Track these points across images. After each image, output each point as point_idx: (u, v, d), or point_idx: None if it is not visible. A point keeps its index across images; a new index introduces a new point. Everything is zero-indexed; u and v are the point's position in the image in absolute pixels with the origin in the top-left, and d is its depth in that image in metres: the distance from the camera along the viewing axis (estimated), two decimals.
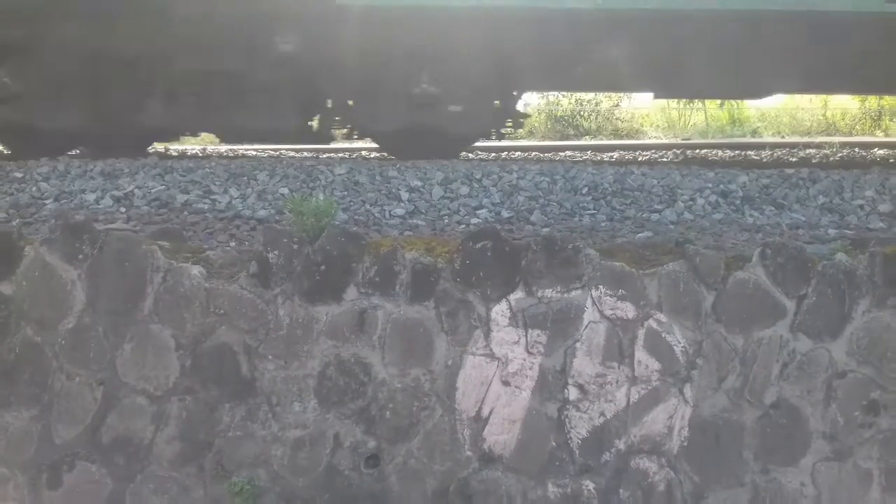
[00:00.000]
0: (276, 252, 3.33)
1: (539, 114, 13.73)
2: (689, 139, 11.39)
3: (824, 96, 12.84)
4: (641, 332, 3.36)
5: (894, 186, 4.94)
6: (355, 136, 7.26)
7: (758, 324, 3.39)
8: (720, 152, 8.99)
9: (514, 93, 6.68)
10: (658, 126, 13.78)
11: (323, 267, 3.34)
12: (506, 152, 8.77)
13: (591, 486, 3.36)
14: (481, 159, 7.05)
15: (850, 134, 12.37)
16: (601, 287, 3.35)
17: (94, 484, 3.34)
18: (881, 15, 5.61)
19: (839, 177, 5.12)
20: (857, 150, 8.65)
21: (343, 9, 5.54)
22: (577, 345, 3.35)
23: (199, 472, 3.35)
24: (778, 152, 8.61)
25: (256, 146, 8.31)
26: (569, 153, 8.85)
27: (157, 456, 3.34)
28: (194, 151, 8.11)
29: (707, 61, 6.06)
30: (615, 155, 8.56)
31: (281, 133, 6.28)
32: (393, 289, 3.35)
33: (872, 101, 12.85)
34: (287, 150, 8.53)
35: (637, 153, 8.93)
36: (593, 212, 4.59)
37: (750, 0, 5.71)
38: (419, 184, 4.80)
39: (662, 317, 3.36)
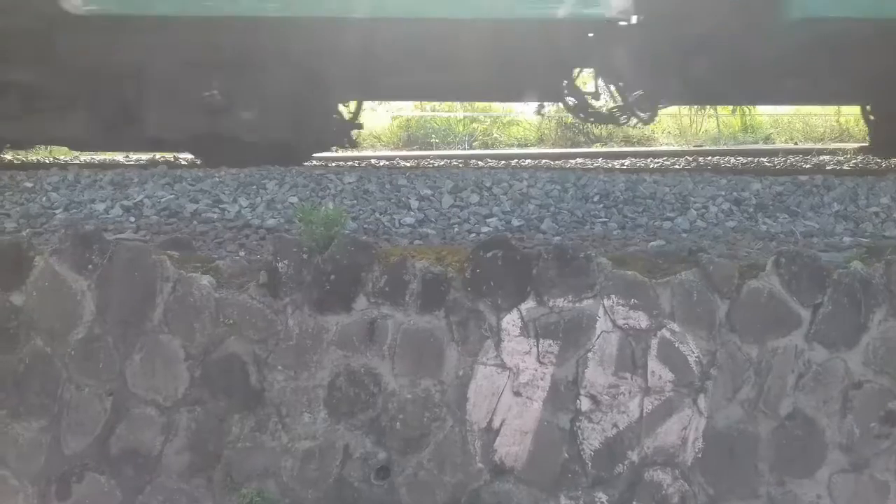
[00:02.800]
0: (285, 262, 3.31)
1: (549, 121, 13.71)
2: (700, 146, 11.33)
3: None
4: (654, 342, 3.32)
5: None
6: None
7: (773, 333, 3.35)
8: (732, 159, 8.92)
9: None
10: (669, 133, 13.72)
11: (332, 276, 3.32)
12: (516, 160, 8.75)
13: (604, 498, 3.32)
14: (491, 167, 7.03)
15: (864, 140, 12.26)
16: (613, 296, 3.31)
17: (103, 495, 3.33)
18: None
19: (854, 184, 5.06)
20: (871, 156, 8.58)
21: None
22: (590, 355, 3.31)
23: (208, 484, 3.33)
24: (791, 159, 8.54)
25: None
26: (580, 160, 8.82)
27: (166, 467, 3.32)
28: None
29: None
30: (626, 162, 8.52)
31: None
32: (403, 298, 3.32)
33: None
34: None
35: (649, 160, 8.89)
36: (605, 220, 4.56)
37: None
38: (429, 192, 4.78)
39: (676, 326, 3.32)
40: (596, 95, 6.87)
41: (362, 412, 3.33)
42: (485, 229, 4.38)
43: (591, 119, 7.29)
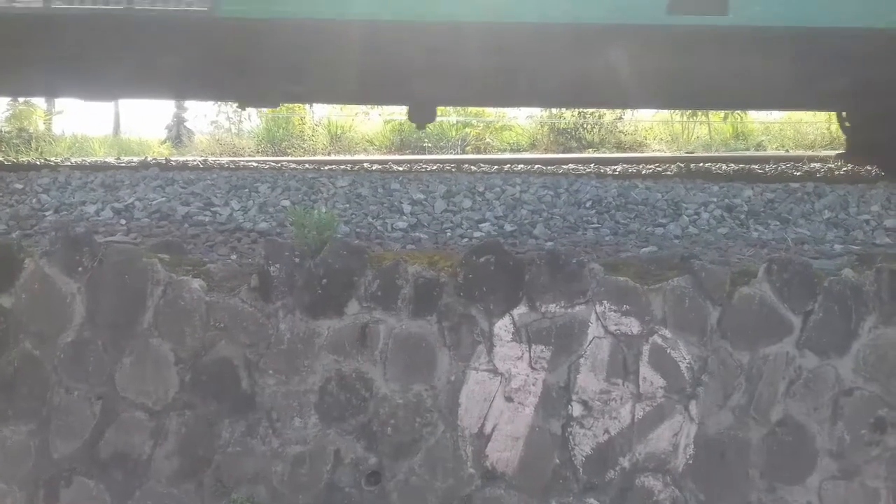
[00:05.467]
0: (277, 265, 3.30)
1: (542, 126, 13.74)
2: (692, 152, 11.37)
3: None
4: (646, 348, 3.32)
5: None
6: None
7: (764, 340, 3.36)
8: (724, 166, 8.96)
9: None
10: (661, 139, 13.79)
11: (325, 281, 3.31)
12: (508, 165, 8.75)
13: None
14: (484, 172, 7.03)
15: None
16: (605, 302, 3.32)
17: (91, 500, 3.30)
18: None
19: (844, 191, 5.09)
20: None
21: None
22: (581, 360, 3.31)
23: (198, 489, 3.31)
24: (782, 166, 8.58)
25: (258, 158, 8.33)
26: (572, 166, 8.83)
27: (155, 471, 3.30)
28: (195, 163, 8.10)
29: None
30: (619, 168, 8.53)
31: None
32: (395, 303, 3.32)
33: None
34: (288, 161, 8.52)
35: (641, 166, 8.91)
36: (597, 226, 4.57)
37: None
38: (422, 196, 4.79)
39: (667, 332, 3.33)
40: None
41: (353, 417, 3.32)
42: (477, 234, 4.38)
43: None
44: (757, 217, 4.72)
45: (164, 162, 7.83)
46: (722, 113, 13.39)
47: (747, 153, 11.44)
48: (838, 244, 4.34)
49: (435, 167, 8.20)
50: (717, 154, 10.88)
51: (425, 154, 12.34)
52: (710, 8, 4.86)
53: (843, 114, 7.51)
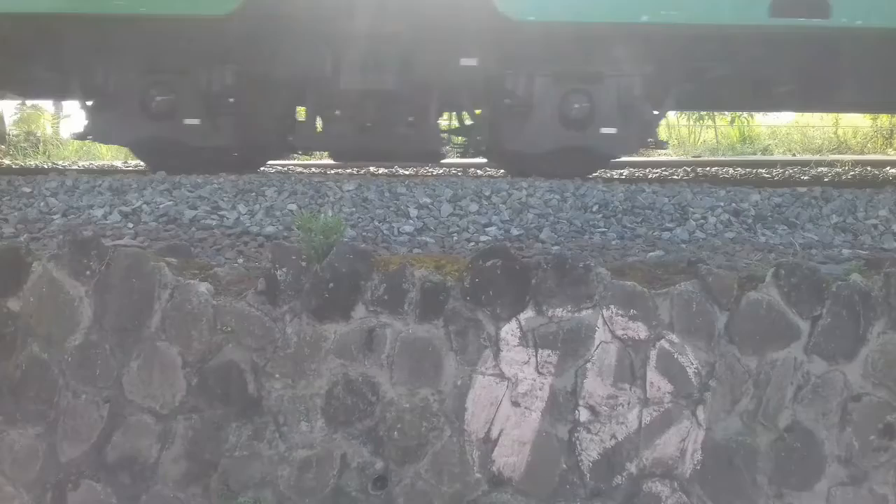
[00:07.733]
0: (284, 269, 3.30)
1: None
2: (699, 157, 11.35)
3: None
4: (653, 353, 3.31)
5: None
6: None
7: (771, 345, 3.34)
8: (731, 170, 8.95)
9: None
10: (668, 143, 13.76)
11: (331, 285, 3.31)
12: None
13: None
14: (490, 176, 7.03)
15: (862, 152, 12.31)
16: (612, 307, 3.31)
17: (98, 503, 3.30)
18: None
19: (852, 196, 5.07)
20: (869, 168, 8.60)
21: None
22: (588, 365, 3.30)
23: (205, 492, 3.31)
24: (789, 170, 8.56)
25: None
26: None
27: (162, 475, 3.30)
28: None
29: None
30: (625, 172, 8.53)
31: None
32: (402, 307, 3.31)
33: (884, 119, 12.79)
34: (295, 165, 8.54)
35: (647, 170, 8.90)
36: (604, 230, 4.56)
37: None
38: (428, 201, 4.78)
39: (675, 337, 3.32)
40: None
41: (360, 421, 3.31)
42: (484, 238, 4.37)
43: None
44: (764, 221, 4.71)
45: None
46: (728, 116, 13.40)
47: (754, 157, 11.42)
48: (846, 249, 4.32)
49: (441, 171, 8.21)
50: (723, 158, 10.88)
51: None
52: None
53: None
